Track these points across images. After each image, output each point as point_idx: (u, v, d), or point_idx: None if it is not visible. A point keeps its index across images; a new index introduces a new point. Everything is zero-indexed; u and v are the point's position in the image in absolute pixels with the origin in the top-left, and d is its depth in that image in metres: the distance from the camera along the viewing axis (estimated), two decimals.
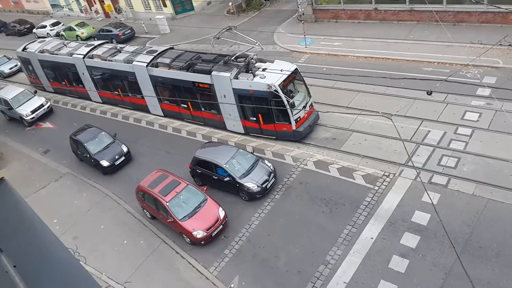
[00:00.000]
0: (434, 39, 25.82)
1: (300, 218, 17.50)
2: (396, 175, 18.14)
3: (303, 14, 31.65)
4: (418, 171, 17.70)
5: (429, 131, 19.65)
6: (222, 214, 17.68)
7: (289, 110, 20.27)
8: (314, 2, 32.74)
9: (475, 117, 19.74)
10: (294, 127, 20.81)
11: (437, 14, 26.13)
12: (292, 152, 20.88)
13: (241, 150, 19.95)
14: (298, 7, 31.77)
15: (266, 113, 21.11)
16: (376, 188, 17.80)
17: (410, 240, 15.45)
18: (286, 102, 20.05)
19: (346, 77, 22.27)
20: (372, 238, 15.89)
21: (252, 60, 21.27)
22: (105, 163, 22.68)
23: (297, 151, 20.91)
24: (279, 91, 19.84)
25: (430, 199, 14.31)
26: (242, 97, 21.33)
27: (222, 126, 23.53)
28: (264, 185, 18.60)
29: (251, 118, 21.96)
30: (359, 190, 17.94)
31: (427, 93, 19.76)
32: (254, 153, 20.27)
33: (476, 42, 24.34)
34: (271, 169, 19.20)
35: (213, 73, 21.71)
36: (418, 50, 25.41)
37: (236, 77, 21.03)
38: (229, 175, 18.79)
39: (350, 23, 31.31)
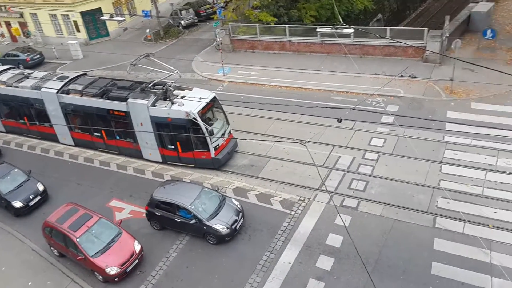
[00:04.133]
0: (343, 70, 27.58)
1: (219, 246, 17.35)
2: (311, 199, 18.79)
3: (221, 43, 32.29)
4: (330, 195, 18.51)
5: (340, 156, 20.72)
6: (138, 247, 16.99)
7: (208, 138, 20.30)
8: (231, 32, 33.58)
9: (381, 143, 21.20)
10: (213, 155, 20.83)
11: (345, 47, 28.04)
12: (211, 180, 20.82)
13: (206, 189, 18.65)
14: (216, 37, 32.39)
15: (184, 141, 20.96)
16: (293, 213, 18.26)
17: (325, 262, 15.95)
18: (204, 130, 20.09)
19: (263, 105, 22.98)
20: (289, 263, 16.18)
21: (170, 88, 21.17)
22: (17, 204, 20.53)
23: (216, 179, 20.89)
24: (198, 118, 19.85)
25: (343, 221, 15.02)
26: (160, 125, 21.01)
27: (138, 155, 22.89)
28: (233, 226, 17.32)
29: (169, 146, 21.65)
30: (276, 215, 18.28)
31: (338, 120, 20.91)
32: (220, 191, 19.24)
33: (380, 73, 26.38)
34: (239, 208, 18.00)
35: (129, 100, 21.21)
36: (329, 80, 26.94)
37: (153, 105, 20.73)
38: (195, 217, 17.33)
39: (266, 53, 32.46)
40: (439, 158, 19.68)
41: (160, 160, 22.34)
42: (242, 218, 17.84)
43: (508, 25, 29.49)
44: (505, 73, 13.16)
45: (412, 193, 18.18)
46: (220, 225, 17.13)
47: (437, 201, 17.59)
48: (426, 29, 27.38)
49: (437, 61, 26.81)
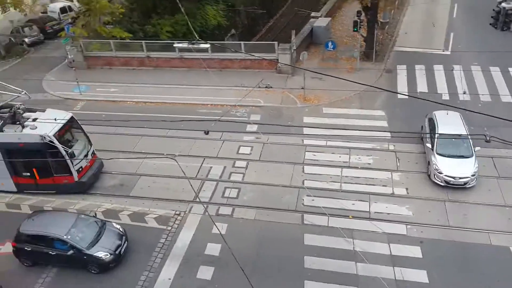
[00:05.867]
0: (205, 83, 28.10)
1: (93, 275, 16.22)
2: (187, 212, 18.72)
3: (73, 61, 30.33)
4: (205, 205, 18.71)
5: (211, 167, 21.07)
6: None
7: (68, 161, 18.88)
8: (84, 49, 31.79)
9: (248, 151, 22.13)
10: (76, 178, 19.44)
11: (204, 62, 28.67)
12: (77, 205, 19.36)
13: (83, 216, 17.32)
14: (67, 54, 30.29)
15: (42, 166, 19.16)
16: (169, 228, 17.97)
17: (205, 273, 16.03)
18: (64, 153, 18.67)
19: (127, 122, 22.20)
20: (170, 279, 15.89)
21: (19, 110, 19.23)
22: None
23: (83, 203, 19.51)
24: (55, 141, 18.35)
25: (219, 230, 15.30)
26: (11, 152, 18.93)
27: None
28: (117, 251, 16.31)
29: (24, 173, 19.56)
30: (152, 233, 17.79)
31: (205, 132, 21.31)
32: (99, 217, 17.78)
33: (240, 85, 27.55)
34: (122, 232, 16.97)
35: None
36: (193, 94, 27.24)
37: (1, 130, 18.59)
38: (72, 247, 15.90)
39: (125, 69, 31.46)
40: (301, 160, 21.29)
41: (15, 190, 20.06)
42: (126, 242, 17.00)
43: (345, 37, 33.30)
44: (348, 80, 14.96)
45: (280, 195, 19.33)
46: (102, 252, 16.10)
47: (303, 200, 18.99)
48: (276, 43, 29.49)
49: (289, 72, 29.04)
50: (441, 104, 16.26)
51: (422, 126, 21.70)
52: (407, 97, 23.97)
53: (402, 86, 26.66)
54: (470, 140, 19.45)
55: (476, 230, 17.08)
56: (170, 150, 20.84)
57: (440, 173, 18.79)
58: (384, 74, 28.21)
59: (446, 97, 25.01)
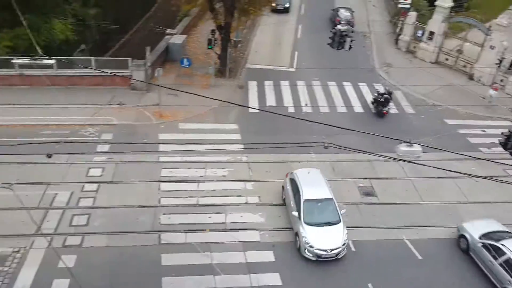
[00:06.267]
0: (49, 102, 25.76)
1: None
2: (27, 248, 16.74)
3: None
4: (49, 238, 16.99)
5: (56, 193, 19.29)
6: None
7: None
8: None
9: (99, 172, 20.86)
10: None
11: (49, 79, 26.40)
12: None
13: None
14: None
15: None
16: (6, 269, 15.85)
17: None
18: None
19: None
20: None
21: None
22: None
23: None
24: None
25: (65, 263, 14.04)
26: None
27: None
28: None
29: None
30: None
31: (47, 156, 19.43)
32: None
33: (90, 103, 25.95)
34: None
35: None
36: (34, 114, 24.75)
37: None
38: None
39: None
40: (157, 178, 20.79)
41: None
42: None
43: (200, 54, 33.75)
44: (203, 96, 15.21)
45: (135, 216, 18.56)
46: None
47: (159, 219, 18.52)
48: (130, 59, 28.58)
49: (144, 88, 28.33)
50: (287, 116, 17.44)
51: (282, 187, 19.78)
52: (258, 110, 25.20)
53: (253, 100, 27.97)
54: (336, 203, 18.06)
55: None
56: (4, 179, 18.68)
57: (312, 247, 16.74)
58: (237, 89, 29.30)
59: (291, 109, 26.97)
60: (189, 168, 21.64)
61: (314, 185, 18.47)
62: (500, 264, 16.09)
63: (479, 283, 16.81)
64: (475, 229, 17.58)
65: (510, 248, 16.13)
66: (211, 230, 18.21)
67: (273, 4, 38.77)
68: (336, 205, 18.00)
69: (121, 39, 41.45)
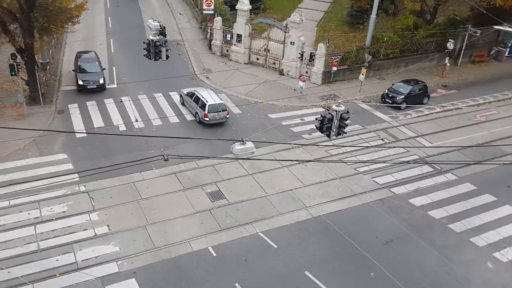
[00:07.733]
0: None
1: None
2: None
3: None
4: None
5: None
6: None
7: None
8: None
9: None
10: None
11: None
12: None
13: None
14: None
15: None
16: None
17: None
18: None
19: None
20: None
21: None
22: None
23: None
24: None
25: None
26: None
27: None
28: None
29: None
30: None
31: None
32: None
33: None
34: None
35: None
36: None
37: None
38: None
39: None
40: None
41: None
42: None
43: (5, 83, 29.82)
44: (18, 128, 13.59)
45: None
46: None
47: None
48: None
49: None
50: (120, 135, 16.86)
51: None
52: (86, 134, 23.76)
53: (78, 124, 26.02)
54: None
55: (178, 243, 18.63)
56: None
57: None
58: (56, 115, 26.96)
59: (122, 127, 25.92)
60: (20, 212, 19.32)
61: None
62: (194, 100, 27.36)
63: (329, 260, 18.76)
64: (185, 91, 28.96)
65: (198, 91, 27.82)
66: (61, 274, 16.68)
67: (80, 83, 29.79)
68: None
69: None
